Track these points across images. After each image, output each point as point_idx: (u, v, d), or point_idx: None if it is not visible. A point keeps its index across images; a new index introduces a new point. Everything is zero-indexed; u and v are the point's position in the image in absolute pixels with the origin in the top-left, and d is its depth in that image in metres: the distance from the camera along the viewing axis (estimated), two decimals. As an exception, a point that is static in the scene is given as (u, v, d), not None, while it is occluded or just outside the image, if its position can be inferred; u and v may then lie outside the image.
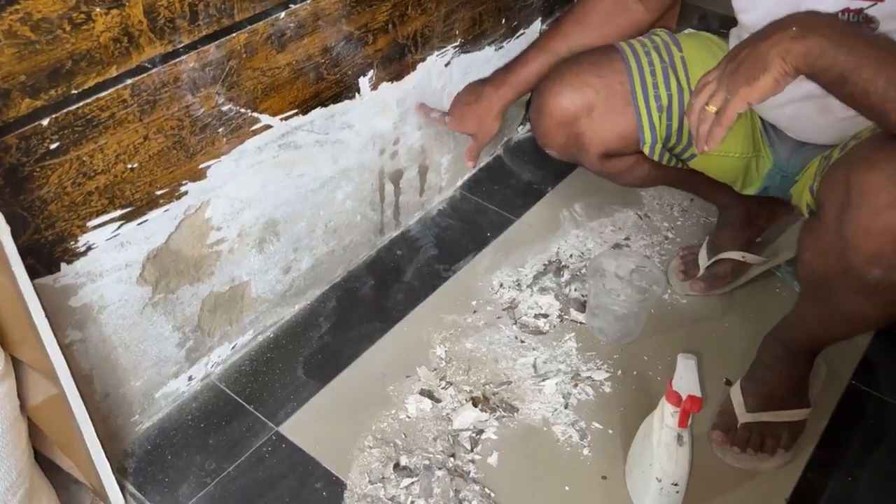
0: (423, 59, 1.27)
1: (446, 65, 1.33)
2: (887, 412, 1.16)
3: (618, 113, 1.12)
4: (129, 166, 0.91)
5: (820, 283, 0.93)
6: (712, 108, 0.86)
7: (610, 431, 1.13)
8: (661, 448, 0.94)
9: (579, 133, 1.14)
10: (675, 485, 0.96)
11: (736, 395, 1.12)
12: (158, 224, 0.98)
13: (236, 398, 1.16)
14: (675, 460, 0.94)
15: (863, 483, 1.07)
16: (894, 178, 0.80)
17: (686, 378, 0.96)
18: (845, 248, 0.84)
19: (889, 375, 1.21)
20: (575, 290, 1.34)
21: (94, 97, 0.84)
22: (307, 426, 1.13)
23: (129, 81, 0.86)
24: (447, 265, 1.39)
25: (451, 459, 1.07)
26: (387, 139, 1.28)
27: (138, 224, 0.96)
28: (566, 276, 1.36)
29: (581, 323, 1.29)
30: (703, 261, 1.34)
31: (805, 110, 1.02)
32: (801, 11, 0.83)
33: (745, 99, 0.83)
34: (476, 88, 1.25)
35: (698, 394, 0.93)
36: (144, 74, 0.87)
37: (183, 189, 0.99)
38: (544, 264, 1.39)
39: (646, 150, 1.14)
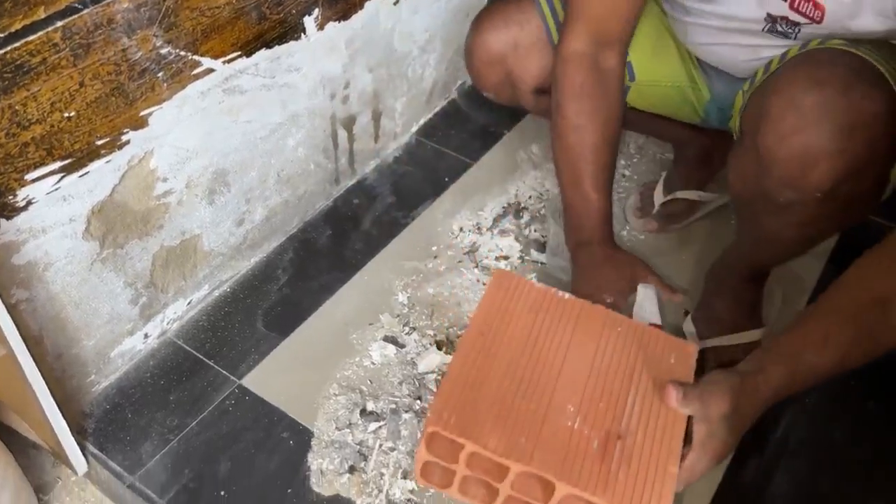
0: (371, -2, 1.23)
1: (395, 3, 1.29)
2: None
3: (543, 48, 1.12)
4: (66, 115, 0.87)
5: (745, 206, 0.97)
6: None
7: (574, 367, 1.13)
8: None
9: (509, 70, 1.14)
10: None
11: (688, 326, 1.13)
12: (101, 176, 0.94)
13: (195, 354, 1.14)
14: None
15: (819, 403, 1.10)
16: (797, 103, 0.81)
17: (647, 307, 0.96)
18: (759, 172, 0.86)
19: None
20: (535, 230, 1.33)
21: (22, 41, 0.79)
22: (270, 378, 1.11)
23: (59, 23, 0.82)
24: (406, 212, 1.37)
25: (418, 402, 1.07)
26: (336, 83, 1.24)
27: (80, 176, 0.92)
28: (526, 217, 1.36)
29: (542, 263, 1.28)
30: (659, 198, 1.34)
31: (734, 51, 1.02)
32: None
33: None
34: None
35: (659, 322, 0.93)
36: (76, 16, 0.83)
37: (125, 138, 0.95)
38: (503, 207, 1.38)
39: None
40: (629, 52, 1.11)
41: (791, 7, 0.90)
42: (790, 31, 0.93)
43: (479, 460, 0.71)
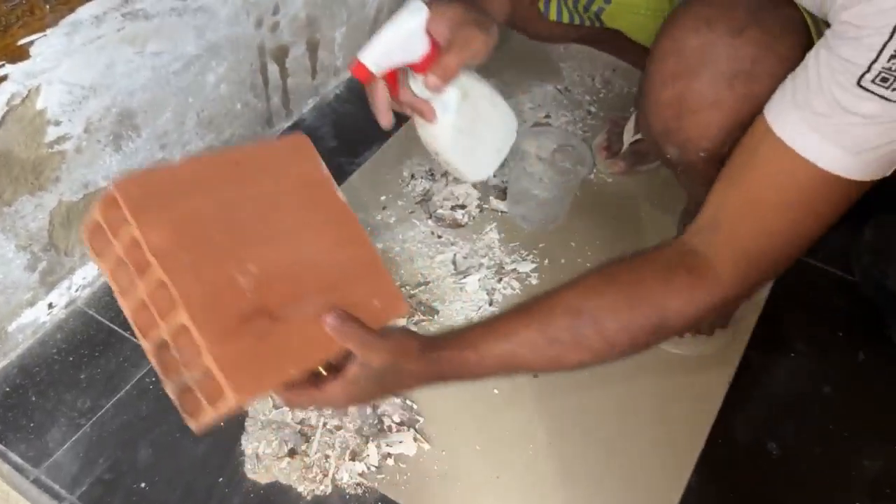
0: None
1: (328, -84, 1.13)
2: (824, 281, 1.10)
3: None
4: (-83, 44, 0.71)
5: (661, 159, 0.86)
6: None
7: (540, 326, 1.02)
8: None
9: None
10: (437, 154, 0.84)
11: None
12: (-27, 119, 0.79)
13: (109, 325, 1.00)
14: (424, 131, 0.81)
15: (806, 358, 1.01)
16: (679, 44, 0.72)
17: (405, 24, 0.71)
18: (646, 123, 0.78)
19: (823, 242, 1.13)
20: (494, 175, 1.20)
21: None
22: (197, 349, 0.98)
23: None
24: (350, 158, 1.23)
25: (366, 372, 0.95)
26: (263, 7, 1.08)
27: (-56, 120, 0.76)
28: (483, 160, 1.22)
29: (503, 211, 1.16)
30: (629, 136, 1.23)
31: None
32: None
33: None
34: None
35: (418, 56, 0.71)
36: (-85, -84, 0.66)
37: (0, 73, 0.78)
38: (458, 149, 1.24)
39: (540, 7, 1.00)
40: None
41: None
42: None
43: (138, 249, 0.62)
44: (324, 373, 0.67)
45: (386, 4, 1.36)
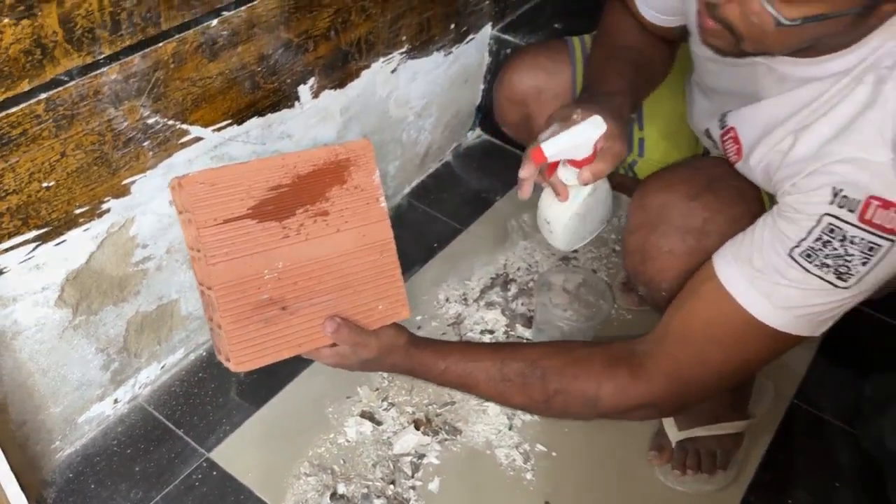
0: (368, 66, 1.22)
1: (392, 71, 1.28)
2: (828, 432, 1.16)
3: (564, 101, 1.09)
4: (45, 185, 0.85)
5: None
6: None
7: (554, 454, 1.10)
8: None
9: (528, 114, 1.13)
10: (548, 222, 0.96)
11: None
12: (78, 244, 0.92)
13: (165, 422, 1.10)
14: (549, 203, 0.94)
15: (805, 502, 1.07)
16: (645, 201, 0.88)
17: (583, 136, 0.82)
18: (624, 265, 0.96)
19: (830, 395, 1.21)
20: (522, 304, 1.31)
21: (3, 113, 0.77)
22: (240, 452, 1.08)
23: (42, 96, 0.79)
24: (392, 277, 1.35)
25: (391, 487, 1.04)
26: (328, 150, 1.22)
27: (56, 245, 0.89)
28: (513, 290, 1.33)
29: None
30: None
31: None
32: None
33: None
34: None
35: (587, 155, 0.83)
36: (61, 88, 0.81)
37: (105, 207, 0.92)
38: (492, 277, 1.36)
39: None
40: (644, 128, 1.11)
41: (722, 137, 0.90)
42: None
43: (192, 227, 0.79)
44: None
45: (435, 143, 1.51)
